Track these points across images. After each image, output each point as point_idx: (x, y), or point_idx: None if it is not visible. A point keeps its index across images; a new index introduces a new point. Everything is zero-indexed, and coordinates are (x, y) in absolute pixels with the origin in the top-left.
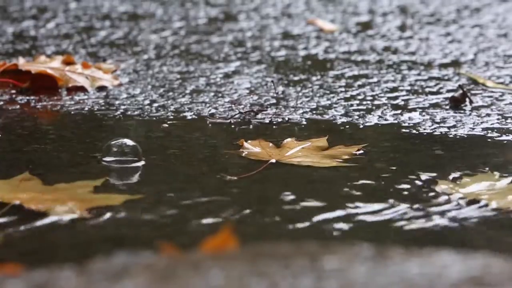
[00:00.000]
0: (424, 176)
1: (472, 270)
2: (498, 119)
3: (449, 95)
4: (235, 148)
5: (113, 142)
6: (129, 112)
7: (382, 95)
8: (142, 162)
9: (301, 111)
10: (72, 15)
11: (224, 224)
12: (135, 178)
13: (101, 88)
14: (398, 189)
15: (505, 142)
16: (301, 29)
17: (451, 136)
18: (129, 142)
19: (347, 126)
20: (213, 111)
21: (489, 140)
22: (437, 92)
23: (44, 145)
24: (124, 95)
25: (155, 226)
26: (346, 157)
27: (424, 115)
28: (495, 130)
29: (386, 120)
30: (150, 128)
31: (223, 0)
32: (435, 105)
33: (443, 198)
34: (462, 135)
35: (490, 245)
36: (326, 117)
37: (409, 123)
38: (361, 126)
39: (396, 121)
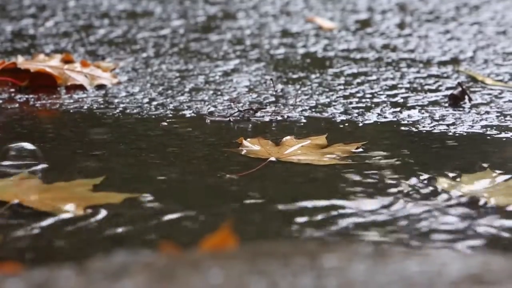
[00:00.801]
0: (423, 174)
1: (471, 268)
2: (497, 116)
3: (448, 92)
4: (234, 146)
5: (11, 146)
6: (128, 111)
7: (381, 92)
8: (43, 165)
9: (300, 109)
10: (71, 13)
11: (223, 222)
12: (134, 176)
13: (100, 87)
14: (397, 187)
15: (504, 139)
16: (300, 27)
17: (450, 133)
18: (28, 146)
19: (346, 124)
20: (212, 109)
21: (488, 137)
22: (436, 90)
23: (43, 144)
24: (123, 94)
25: (154, 225)
26: (345, 155)
27: (423, 113)
28: (494, 127)
29: (385, 117)
30: (149, 126)
31: None
32: (434, 103)
33: (442, 195)
34: (461, 132)
35: (489, 243)
36: (325, 115)
37: (408, 121)
38: (360, 124)
39: (395, 119)
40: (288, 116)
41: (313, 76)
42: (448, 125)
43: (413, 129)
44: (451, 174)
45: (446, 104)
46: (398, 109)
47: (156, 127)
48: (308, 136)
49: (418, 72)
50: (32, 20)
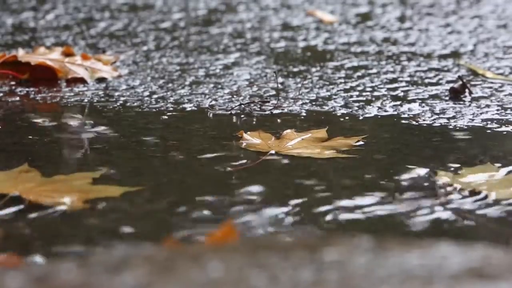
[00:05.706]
0: (424, 167)
1: (472, 262)
2: (497, 110)
3: (449, 86)
4: (235, 139)
5: None
6: (128, 104)
7: (381, 86)
8: None
9: (300, 102)
10: (72, 6)
11: (224, 216)
12: (134, 170)
13: (101, 80)
14: (397, 180)
15: (505, 133)
16: (300, 20)
17: (450, 127)
18: None
19: (347, 118)
20: (212, 102)
21: (488, 131)
22: (437, 83)
23: (43, 137)
24: (124, 87)
25: (154, 218)
26: (346, 148)
27: (423, 106)
28: (495, 121)
29: (385, 111)
30: (149, 119)
31: None
32: (434, 96)
33: (442, 189)
34: (462, 126)
35: (489, 236)
36: (326, 108)
37: (408, 114)
38: (361, 117)
39: (395, 112)
40: (288, 110)
41: (313, 69)
42: (448, 119)
43: (414, 122)
44: (451, 168)
45: (447, 98)
46: (399, 102)
47: (157, 120)
48: (309, 130)
49: (418, 65)
50: (33, 13)
